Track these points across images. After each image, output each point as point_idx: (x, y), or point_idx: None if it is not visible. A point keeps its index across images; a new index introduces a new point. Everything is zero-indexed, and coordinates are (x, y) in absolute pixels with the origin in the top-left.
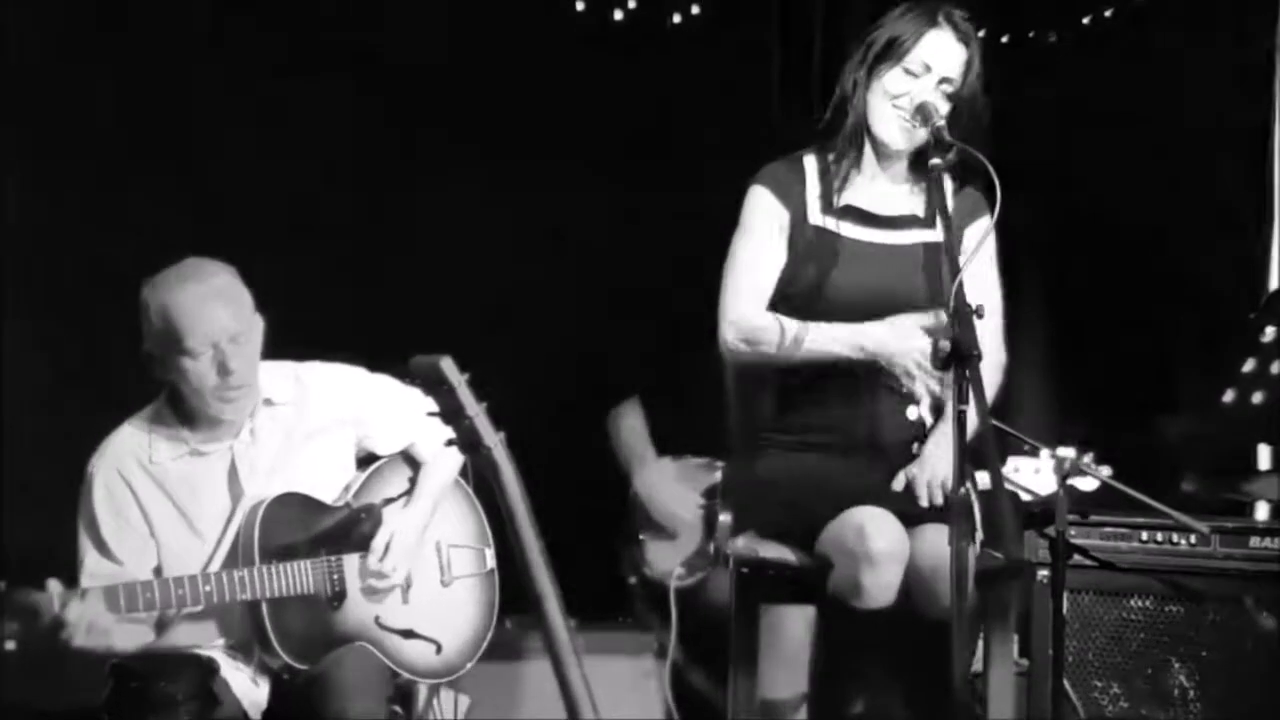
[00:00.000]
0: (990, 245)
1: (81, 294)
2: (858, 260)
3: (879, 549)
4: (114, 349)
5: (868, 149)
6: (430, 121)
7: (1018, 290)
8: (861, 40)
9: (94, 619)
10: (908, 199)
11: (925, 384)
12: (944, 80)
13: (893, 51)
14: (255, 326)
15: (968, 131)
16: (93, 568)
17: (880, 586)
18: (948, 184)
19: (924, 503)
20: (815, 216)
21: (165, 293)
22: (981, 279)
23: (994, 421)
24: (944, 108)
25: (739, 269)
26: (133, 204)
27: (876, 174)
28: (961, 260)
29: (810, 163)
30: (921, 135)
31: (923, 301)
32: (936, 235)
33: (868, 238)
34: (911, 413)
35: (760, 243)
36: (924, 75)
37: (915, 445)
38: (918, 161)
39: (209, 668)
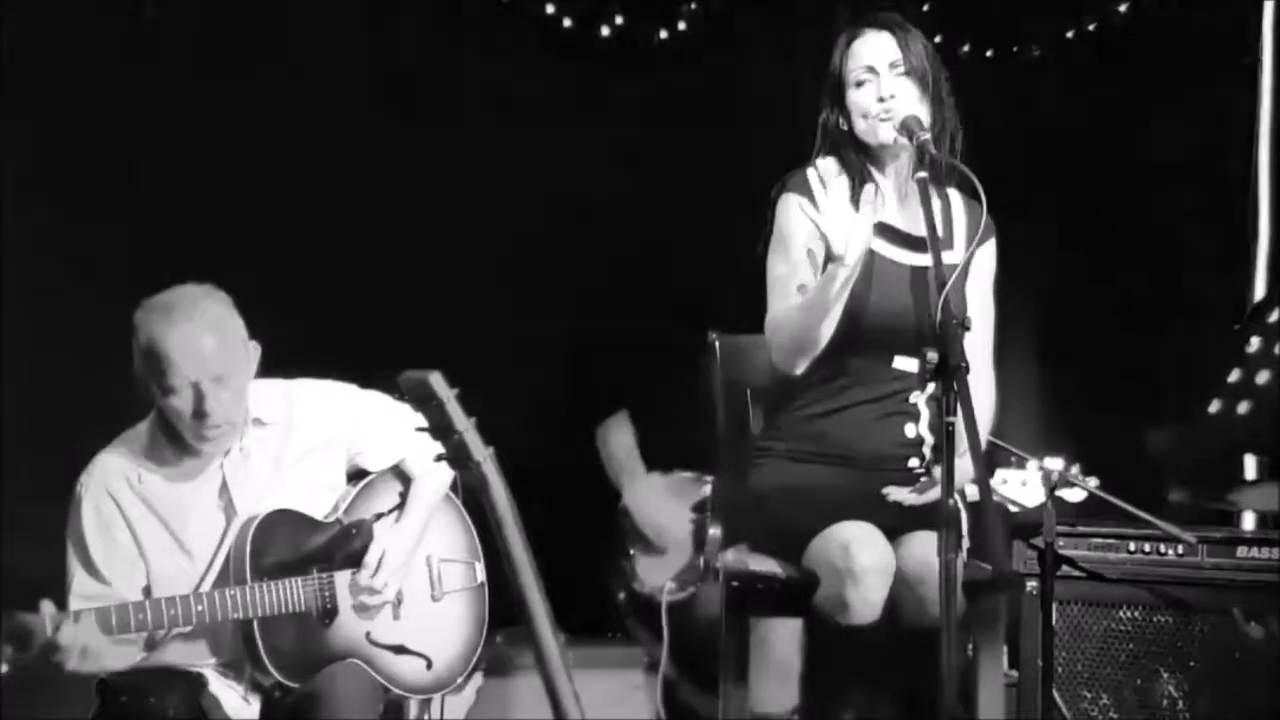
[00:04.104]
0: (992, 270)
1: (78, 306)
2: (892, 282)
3: (864, 565)
4: (113, 367)
5: (880, 169)
6: (421, 134)
7: (1004, 302)
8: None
9: (87, 642)
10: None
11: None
12: (893, 66)
13: (840, 80)
14: (245, 360)
15: (941, 135)
16: (81, 588)
17: (866, 603)
18: (956, 201)
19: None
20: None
21: (153, 323)
22: (979, 299)
23: (981, 433)
24: (910, 90)
25: (777, 290)
26: (132, 215)
27: (903, 187)
28: (958, 275)
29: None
30: (906, 142)
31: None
32: (954, 256)
33: (901, 259)
34: (910, 429)
35: (798, 256)
36: (874, 77)
37: (910, 461)
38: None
39: (198, 683)
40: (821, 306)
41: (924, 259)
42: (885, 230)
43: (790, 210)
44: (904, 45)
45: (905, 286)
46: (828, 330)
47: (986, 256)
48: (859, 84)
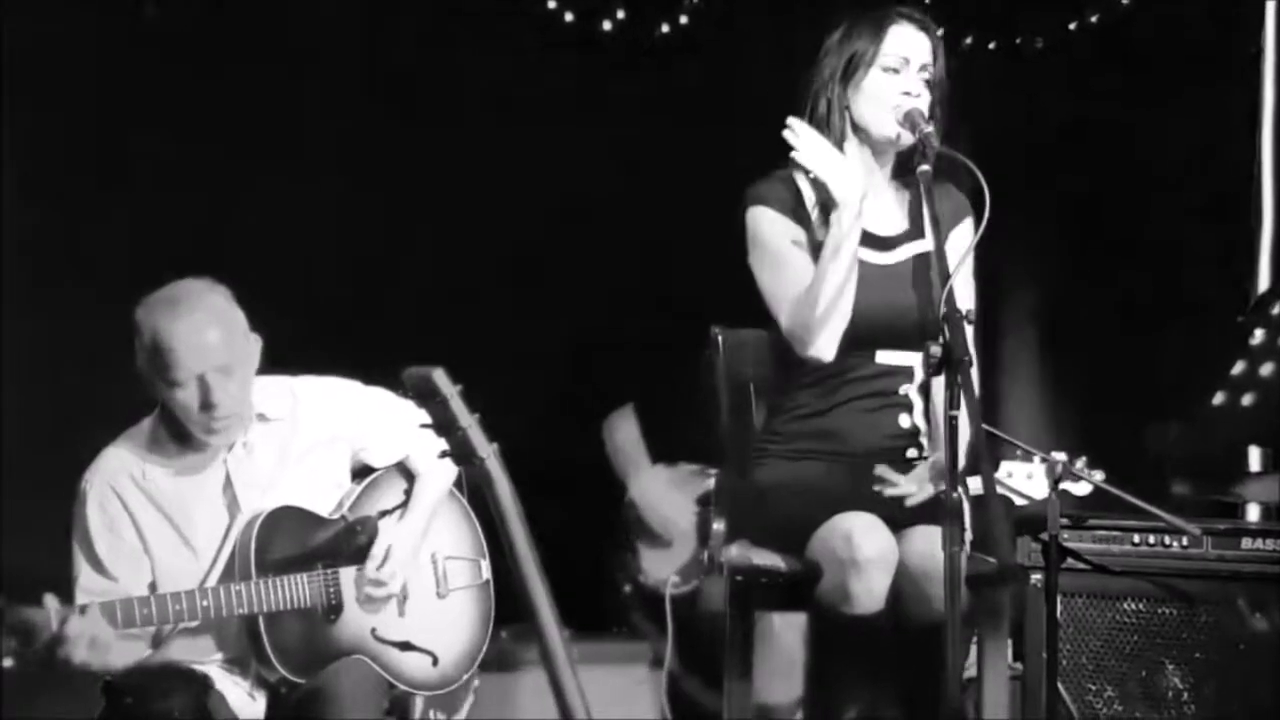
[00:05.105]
0: (968, 249)
1: (79, 306)
2: (868, 283)
3: (866, 556)
4: (113, 367)
5: (859, 160)
6: (421, 133)
7: (1009, 296)
8: (818, 66)
9: (95, 634)
10: (898, 211)
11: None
12: (923, 68)
13: (863, 60)
14: (248, 351)
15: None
16: (87, 584)
17: (868, 593)
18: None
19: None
20: (821, 235)
21: (156, 318)
22: (961, 285)
23: (986, 427)
24: (927, 96)
25: (777, 297)
26: (132, 215)
27: (874, 185)
28: (951, 265)
29: (802, 180)
30: (909, 136)
31: (921, 314)
32: (925, 244)
33: (875, 260)
34: (904, 420)
35: (786, 262)
36: (904, 68)
37: (909, 452)
38: (900, 168)
39: (203, 684)
40: (838, 263)
41: (895, 256)
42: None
43: (763, 221)
44: (936, 54)
45: (878, 286)
46: (851, 287)
47: (960, 237)
48: (887, 69)
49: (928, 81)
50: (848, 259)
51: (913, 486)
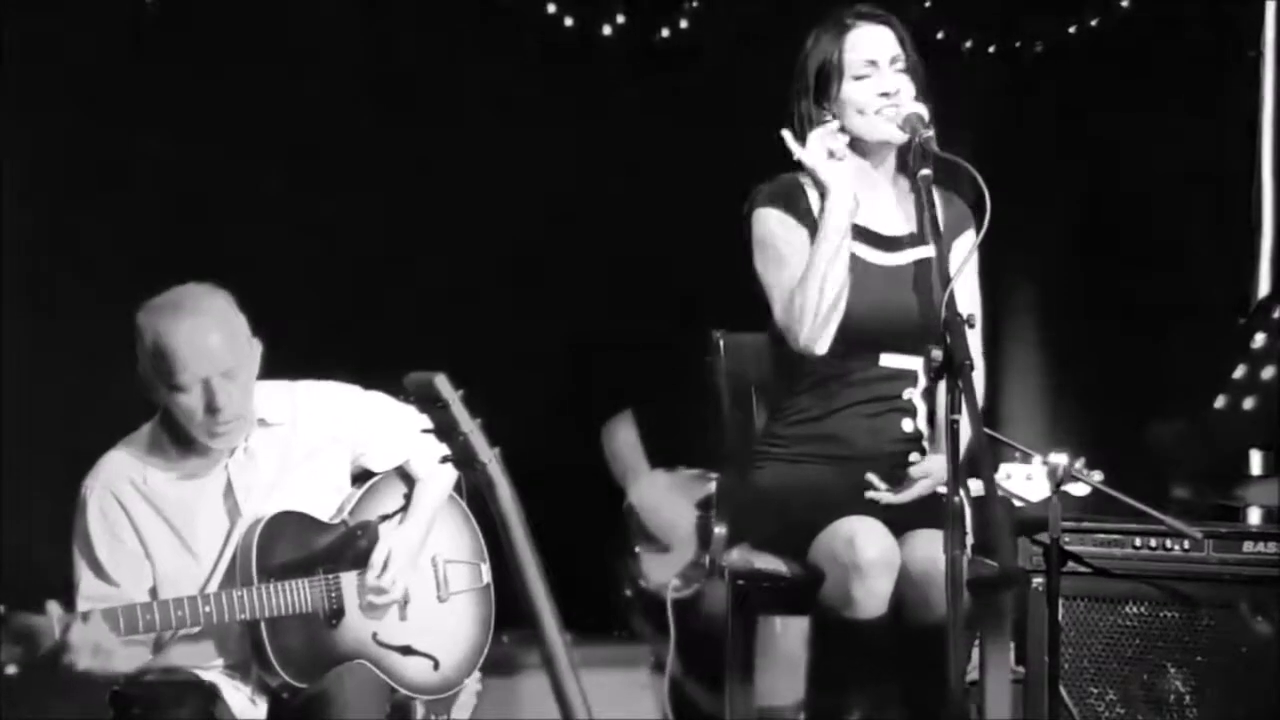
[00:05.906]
0: (974, 258)
1: (79, 306)
2: (871, 284)
3: (869, 559)
4: (113, 367)
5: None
6: (421, 134)
7: (1010, 298)
8: (795, 82)
9: (99, 640)
10: (902, 212)
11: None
12: (893, 61)
13: (833, 73)
14: (250, 355)
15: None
16: (88, 590)
17: (871, 596)
18: (936, 195)
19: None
20: None
21: (158, 322)
22: (966, 290)
23: (986, 430)
24: (910, 88)
25: (781, 295)
26: (132, 215)
27: (874, 186)
28: (951, 272)
29: (809, 184)
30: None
31: (924, 319)
32: (930, 250)
33: (878, 260)
34: (907, 424)
35: (788, 263)
36: (875, 71)
37: (911, 456)
38: (902, 166)
39: (210, 693)
40: (826, 247)
41: (900, 258)
42: (859, 232)
43: (769, 223)
44: (903, 41)
45: (882, 286)
46: (841, 276)
47: (961, 248)
48: (858, 78)
49: (904, 70)
50: (836, 243)
51: (897, 495)
